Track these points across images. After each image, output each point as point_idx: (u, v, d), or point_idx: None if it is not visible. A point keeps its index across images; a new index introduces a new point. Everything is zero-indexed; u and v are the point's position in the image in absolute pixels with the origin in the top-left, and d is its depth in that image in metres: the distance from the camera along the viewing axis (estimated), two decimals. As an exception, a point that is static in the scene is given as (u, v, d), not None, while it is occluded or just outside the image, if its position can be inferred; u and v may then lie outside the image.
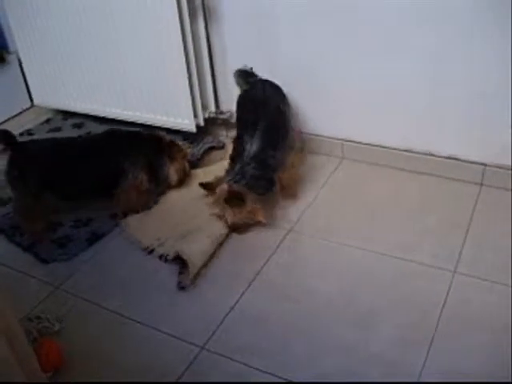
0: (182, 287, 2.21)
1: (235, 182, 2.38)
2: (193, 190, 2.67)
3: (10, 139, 2.48)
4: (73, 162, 2.53)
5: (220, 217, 2.44)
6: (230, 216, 2.40)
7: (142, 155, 2.60)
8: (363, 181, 2.74)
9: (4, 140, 2.45)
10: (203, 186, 2.51)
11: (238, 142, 2.52)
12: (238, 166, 2.43)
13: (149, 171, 2.62)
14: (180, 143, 2.77)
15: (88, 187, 2.57)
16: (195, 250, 2.29)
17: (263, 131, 2.48)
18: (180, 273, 2.26)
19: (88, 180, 2.55)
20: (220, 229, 2.43)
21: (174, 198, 2.71)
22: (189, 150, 2.82)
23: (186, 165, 2.75)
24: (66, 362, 1.94)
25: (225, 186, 2.38)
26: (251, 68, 2.75)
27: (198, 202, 2.60)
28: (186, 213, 2.59)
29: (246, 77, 2.74)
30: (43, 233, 2.53)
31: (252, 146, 2.45)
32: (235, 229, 2.44)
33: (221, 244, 2.40)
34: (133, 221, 2.57)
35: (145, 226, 2.54)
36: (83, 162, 2.54)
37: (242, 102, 2.70)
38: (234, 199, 2.36)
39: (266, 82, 2.71)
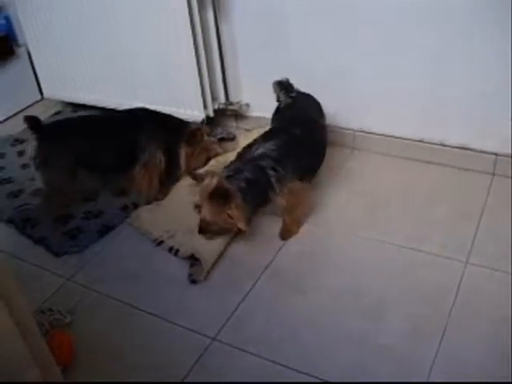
0: (193, 281, 2.21)
1: (227, 177, 2.19)
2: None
3: (36, 124, 2.48)
4: (97, 138, 2.55)
5: (198, 209, 2.25)
6: (207, 213, 2.20)
7: (161, 136, 2.62)
8: (374, 171, 2.73)
9: (31, 125, 2.46)
10: (192, 176, 2.32)
11: (253, 143, 2.36)
12: (237, 165, 2.26)
13: (166, 154, 2.64)
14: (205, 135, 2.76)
15: (111, 163, 2.60)
16: (208, 248, 2.28)
17: (283, 142, 2.31)
18: (191, 265, 2.26)
19: (110, 156, 2.58)
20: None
21: (184, 190, 2.67)
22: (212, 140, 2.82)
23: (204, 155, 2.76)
24: (77, 353, 1.95)
25: (214, 180, 2.15)
26: (288, 79, 2.63)
27: None
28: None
29: (287, 90, 2.61)
30: (62, 220, 2.58)
31: (258, 149, 2.27)
32: (205, 229, 2.26)
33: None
34: (143, 212, 2.58)
35: (154, 218, 2.53)
36: (106, 138, 2.57)
37: (281, 114, 2.61)
38: (219, 196, 2.14)
39: (309, 96, 2.65)
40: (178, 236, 2.40)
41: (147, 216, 2.56)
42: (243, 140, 2.96)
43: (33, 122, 2.46)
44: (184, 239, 2.36)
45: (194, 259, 2.27)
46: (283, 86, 2.61)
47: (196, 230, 2.28)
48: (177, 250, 2.33)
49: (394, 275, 2.15)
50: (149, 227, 2.48)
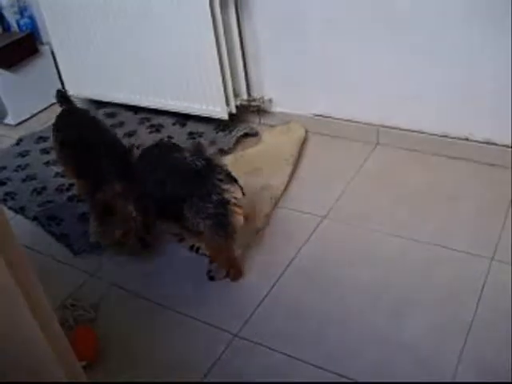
0: (211, 277, 2.21)
1: None
2: None
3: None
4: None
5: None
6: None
7: None
8: (398, 167, 2.69)
9: None
10: None
11: None
12: None
13: None
14: None
15: None
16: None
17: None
18: (210, 261, 2.25)
19: None
20: (258, 222, 2.40)
21: None
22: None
23: None
24: (100, 348, 1.96)
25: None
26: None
27: None
28: None
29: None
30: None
31: None
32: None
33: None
34: None
35: None
36: None
37: None
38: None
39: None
40: None
41: None
42: (267, 136, 2.96)
43: None
44: None
45: None
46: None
47: None
48: (198, 248, 2.32)
49: (418, 272, 2.12)
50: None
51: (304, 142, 2.91)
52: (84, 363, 1.77)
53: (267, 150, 2.85)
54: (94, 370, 1.86)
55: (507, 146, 2.54)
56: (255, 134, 3.02)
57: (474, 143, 2.61)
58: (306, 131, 2.96)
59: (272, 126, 3.05)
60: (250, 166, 2.72)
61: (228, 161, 2.76)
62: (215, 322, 2.03)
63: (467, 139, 2.63)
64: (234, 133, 3.00)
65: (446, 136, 2.67)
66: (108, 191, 2.24)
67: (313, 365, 1.84)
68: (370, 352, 1.85)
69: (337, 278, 2.15)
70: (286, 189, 2.62)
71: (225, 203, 2.02)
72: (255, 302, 2.08)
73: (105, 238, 2.33)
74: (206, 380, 1.84)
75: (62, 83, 3.57)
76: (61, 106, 2.70)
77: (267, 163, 2.74)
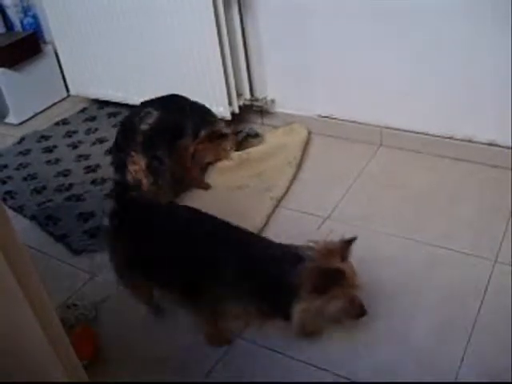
0: None
1: None
2: (230, 180, 2.71)
3: None
4: None
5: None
6: None
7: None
8: (401, 168, 2.69)
9: None
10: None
11: None
12: None
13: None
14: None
15: None
16: None
17: None
18: None
19: None
20: (257, 221, 2.41)
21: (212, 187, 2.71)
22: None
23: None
24: (101, 348, 1.96)
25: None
26: None
27: (229, 192, 2.64)
28: (217, 203, 2.54)
29: None
30: None
31: None
32: None
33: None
34: None
35: None
36: None
37: None
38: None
39: None
40: None
41: None
42: (270, 137, 2.95)
43: None
44: None
45: None
46: None
47: None
48: None
49: (420, 273, 2.11)
50: None
51: (307, 144, 2.90)
52: (85, 362, 1.76)
53: (270, 152, 2.85)
54: (94, 369, 1.85)
55: (510, 148, 2.53)
56: (255, 136, 3.00)
57: (478, 145, 2.61)
58: (309, 132, 2.95)
59: (275, 127, 3.05)
60: (254, 170, 2.74)
61: (233, 163, 2.79)
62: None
63: (470, 141, 2.62)
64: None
65: (449, 138, 2.66)
66: None
67: (314, 366, 1.83)
68: (373, 353, 1.85)
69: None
70: (288, 190, 2.62)
71: None
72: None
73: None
74: (208, 379, 1.83)
75: (65, 83, 3.57)
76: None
77: (270, 166, 2.74)
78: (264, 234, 2.36)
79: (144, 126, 2.44)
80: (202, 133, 2.65)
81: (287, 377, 1.81)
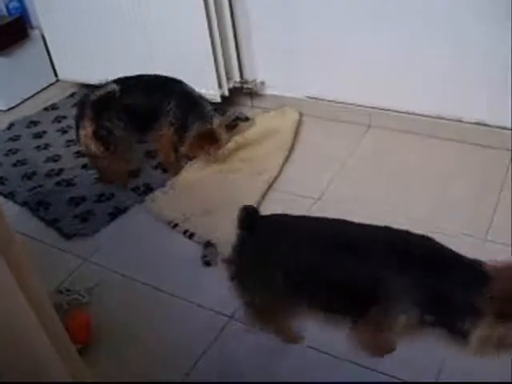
0: (206, 263, 2.19)
1: None
2: (222, 165, 2.70)
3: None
4: None
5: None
6: None
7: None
8: (391, 149, 2.70)
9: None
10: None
11: None
12: None
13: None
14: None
15: None
16: (224, 231, 2.16)
17: None
18: (205, 246, 2.24)
19: None
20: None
21: (198, 172, 2.70)
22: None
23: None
24: (95, 333, 1.96)
25: None
26: None
27: (221, 176, 2.63)
28: (210, 187, 2.58)
29: None
30: None
31: None
32: None
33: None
34: (158, 194, 2.58)
35: (170, 200, 2.53)
36: None
37: None
38: None
39: None
40: (194, 218, 2.39)
41: (162, 198, 2.55)
42: (261, 120, 2.94)
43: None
44: (199, 222, 2.36)
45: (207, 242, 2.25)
46: None
47: (214, 212, 2.36)
48: (191, 234, 2.32)
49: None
50: (164, 210, 2.48)
51: (298, 127, 2.90)
52: (79, 347, 1.78)
53: (263, 136, 2.84)
54: (88, 353, 1.87)
55: (500, 128, 2.54)
56: (245, 119, 2.99)
57: (467, 125, 2.61)
58: (300, 114, 2.95)
59: (265, 109, 3.04)
60: (247, 154, 2.74)
61: (230, 147, 2.76)
62: (210, 305, 2.03)
63: (460, 121, 2.62)
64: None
65: (438, 118, 2.67)
66: None
67: (307, 346, 1.85)
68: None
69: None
70: (279, 173, 2.62)
71: None
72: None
73: None
74: (201, 360, 1.85)
75: (53, 67, 3.54)
76: None
77: (263, 150, 2.74)
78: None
79: (93, 97, 2.47)
80: (194, 127, 2.60)
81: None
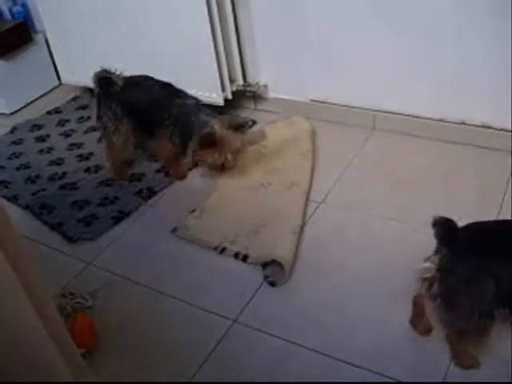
0: (272, 283, 2.09)
1: None
2: (246, 179, 2.62)
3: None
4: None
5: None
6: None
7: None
8: (395, 151, 2.69)
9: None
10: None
11: None
12: None
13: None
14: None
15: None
16: (284, 247, 2.17)
17: None
18: (264, 266, 2.15)
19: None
20: (297, 219, 2.33)
21: (226, 191, 2.58)
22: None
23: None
24: (99, 336, 1.96)
25: None
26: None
27: (251, 192, 2.55)
28: (244, 205, 2.48)
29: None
30: None
31: None
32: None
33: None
34: (190, 220, 2.42)
35: (206, 225, 2.39)
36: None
37: None
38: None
39: None
40: (241, 239, 2.28)
41: (196, 224, 2.40)
42: (271, 131, 2.89)
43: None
44: (250, 242, 2.26)
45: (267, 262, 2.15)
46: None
47: (261, 231, 2.29)
48: (245, 256, 2.21)
49: (417, 256, 2.11)
50: (203, 236, 2.33)
51: (314, 135, 2.84)
52: (83, 350, 1.77)
53: (280, 147, 2.75)
54: (93, 357, 1.86)
55: (504, 130, 2.54)
56: (251, 126, 2.98)
57: (471, 127, 2.61)
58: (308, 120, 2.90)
59: (272, 121, 2.97)
60: (269, 166, 2.66)
61: (250, 157, 2.70)
62: (214, 309, 2.02)
63: (464, 123, 2.62)
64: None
65: (442, 120, 2.66)
66: None
67: (309, 348, 1.84)
68: (367, 336, 1.86)
69: (334, 263, 2.15)
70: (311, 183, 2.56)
71: None
72: (253, 288, 2.08)
73: None
74: (205, 363, 1.84)
75: (57, 71, 3.54)
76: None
77: (286, 161, 2.67)
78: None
79: (97, 89, 2.62)
80: (194, 137, 2.54)
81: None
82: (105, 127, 2.63)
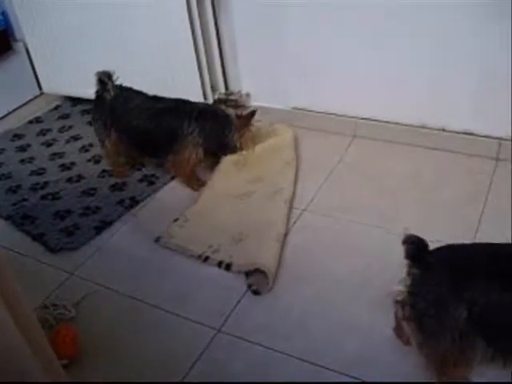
0: (255, 292, 2.09)
1: None
2: (230, 188, 2.61)
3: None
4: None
5: None
6: None
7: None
8: (376, 159, 2.71)
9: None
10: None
11: None
12: None
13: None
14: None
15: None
16: (267, 256, 2.17)
17: None
18: (247, 274, 2.15)
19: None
20: (280, 227, 2.32)
21: (209, 201, 2.56)
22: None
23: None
24: (82, 347, 1.94)
25: None
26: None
27: (235, 200, 2.52)
28: (227, 214, 2.46)
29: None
30: None
31: None
32: None
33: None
34: (174, 228, 2.41)
35: (189, 234, 2.37)
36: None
37: None
38: None
39: None
40: (225, 248, 2.26)
41: (180, 232, 2.38)
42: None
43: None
44: (233, 251, 2.24)
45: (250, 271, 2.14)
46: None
47: (245, 240, 2.28)
48: (228, 264, 2.19)
49: (399, 262, 2.12)
50: (187, 244, 2.31)
51: (296, 142, 2.83)
52: (65, 361, 1.76)
53: (265, 154, 2.74)
54: (75, 368, 1.85)
55: (484, 136, 2.56)
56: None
57: (451, 133, 2.63)
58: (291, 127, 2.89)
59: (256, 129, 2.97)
60: (252, 174, 2.65)
61: (231, 167, 2.70)
62: (197, 318, 2.02)
63: (444, 130, 2.64)
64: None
65: (422, 127, 2.68)
66: None
67: (293, 356, 1.84)
68: (351, 344, 1.86)
69: (317, 270, 2.15)
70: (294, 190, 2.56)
71: None
72: (236, 297, 2.08)
73: None
74: (190, 373, 1.83)
75: (38, 80, 3.52)
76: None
77: (269, 169, 2.66)
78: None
79: (97, 87, 2.71)
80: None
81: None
82: (97, 132, 2.74)
